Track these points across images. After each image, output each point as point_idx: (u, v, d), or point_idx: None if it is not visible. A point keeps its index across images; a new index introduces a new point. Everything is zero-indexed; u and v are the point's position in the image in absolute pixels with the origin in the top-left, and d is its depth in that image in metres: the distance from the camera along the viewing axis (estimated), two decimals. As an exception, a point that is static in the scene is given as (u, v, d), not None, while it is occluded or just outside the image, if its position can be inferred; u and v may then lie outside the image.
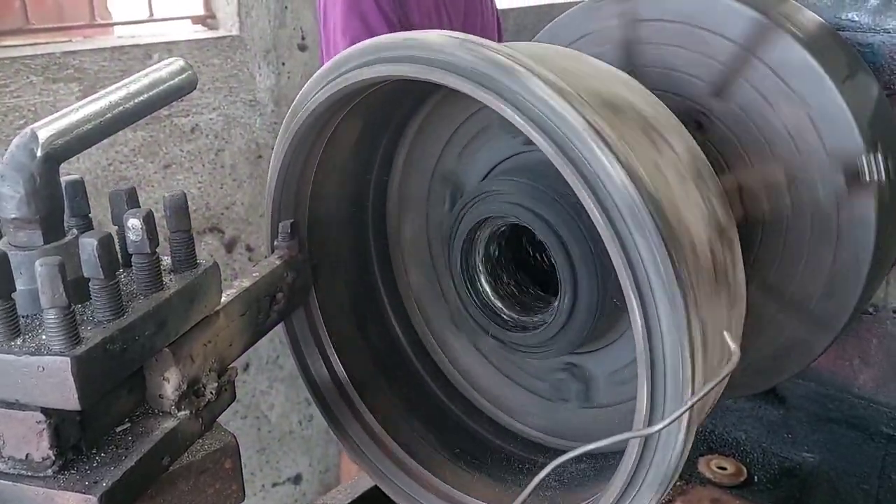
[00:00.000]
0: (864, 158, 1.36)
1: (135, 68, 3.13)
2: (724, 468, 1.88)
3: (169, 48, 3.07)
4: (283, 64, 3.41)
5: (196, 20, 3.33)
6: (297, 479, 4.07)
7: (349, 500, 1.56)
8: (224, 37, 3.24)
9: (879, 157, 1.37)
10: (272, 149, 3.98)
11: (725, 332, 0.90)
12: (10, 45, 2.89)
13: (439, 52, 1.04)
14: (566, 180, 0.99)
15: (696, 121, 1.45)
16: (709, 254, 0.99)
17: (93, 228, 1.06)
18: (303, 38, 3.45)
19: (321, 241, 1.44)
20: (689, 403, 0.82)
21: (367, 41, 1.14)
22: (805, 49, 1.36)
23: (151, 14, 3.24)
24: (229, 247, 3.49)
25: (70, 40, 3.02)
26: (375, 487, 1.59)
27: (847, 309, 1.44)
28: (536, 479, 0.91)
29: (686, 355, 0.87)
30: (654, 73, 1.46)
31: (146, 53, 3.03)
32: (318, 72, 1.21)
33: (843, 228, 1.39)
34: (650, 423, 0.89)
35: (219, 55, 3.21)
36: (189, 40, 3.17)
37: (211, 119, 3.28)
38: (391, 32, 2.49)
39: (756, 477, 1.90)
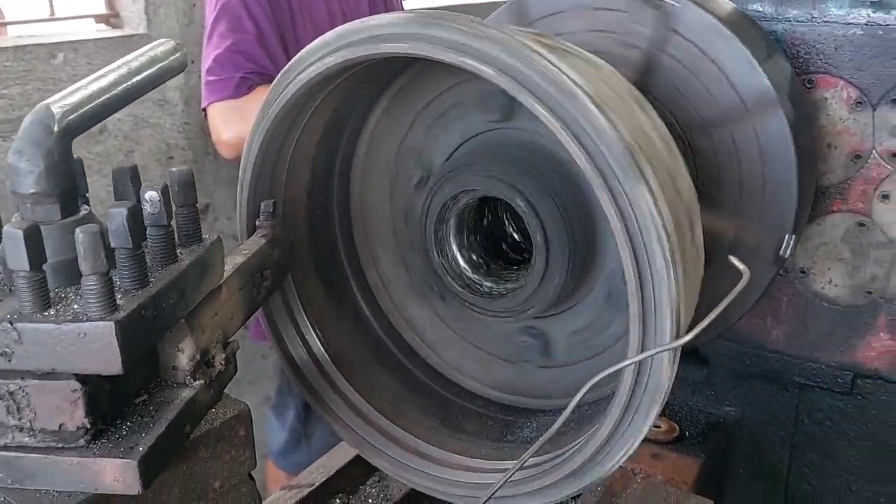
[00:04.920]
0: (787, 237, 1.52)
1: (38, 68, 3.00)
2: (658, 426, 2.03)
3: (75, 47, 2.97)
4: (193, 62, 3.35)
5: (99, 19, 3.24)
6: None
7: (325, 478, 1.59)
8: (132, 35, 3.16)
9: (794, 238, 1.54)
10: (183, 150, 3.85)
11: (731, 257, 1.01)
12: None
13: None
14: (535, 152, 1.04)
15: None
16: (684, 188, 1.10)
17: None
18: (213, 37, 3.41)
19: (292, 221, 1.48)
20: (707, 320, 0.92)
21: (352, 23, 1.19)
22: (791, 134, 1.49)
23: (52, 13, 3.12)
24: (142, 251, 3.40)
25: (-35, 40, 2.88)
26: (349, 464, 1.64)
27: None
28: (560, 419, 0.99)
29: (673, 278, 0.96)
30: (662, 84, 1.54)
31: (50, 53, 2.93)
32: (307, 47, 1.24)
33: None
34: (643, 348, 0.99)
35: (126, 54, 3.13)
36: (96, 39, 3.07)
37: (119, 120, 3.18)
38: (260, 38, 2.49)
39: (687, 432, 2.06)
